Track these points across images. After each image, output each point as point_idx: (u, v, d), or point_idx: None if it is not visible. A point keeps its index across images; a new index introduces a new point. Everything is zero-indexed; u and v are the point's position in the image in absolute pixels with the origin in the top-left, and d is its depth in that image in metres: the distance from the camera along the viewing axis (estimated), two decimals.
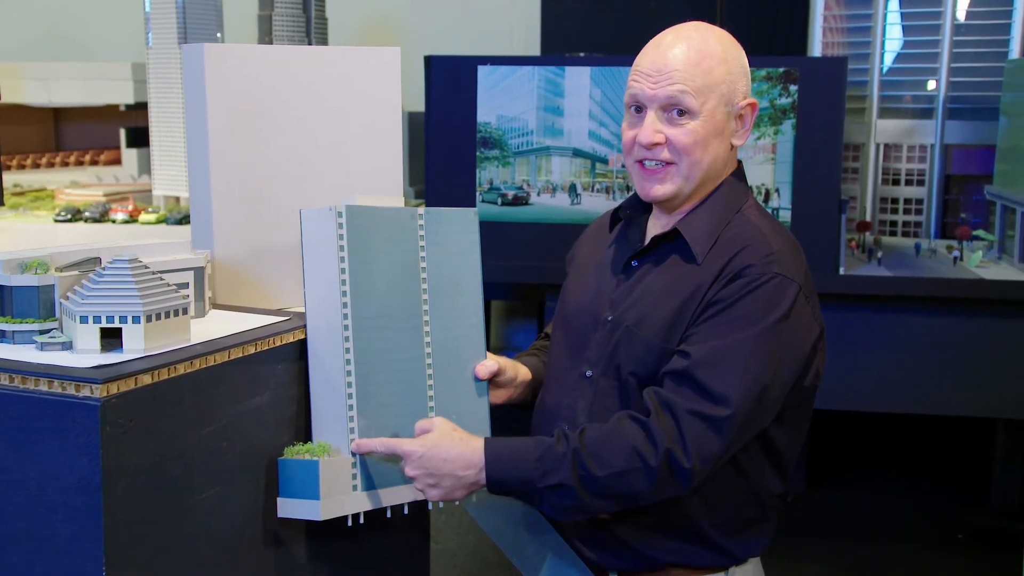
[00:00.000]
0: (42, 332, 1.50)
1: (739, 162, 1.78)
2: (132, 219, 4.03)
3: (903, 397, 3.81)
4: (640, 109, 1.69)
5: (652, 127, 1.67)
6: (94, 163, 5.68)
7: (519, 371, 1.88)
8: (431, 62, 3.93)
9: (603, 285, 1.78)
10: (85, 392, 1.34)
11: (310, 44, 4.55)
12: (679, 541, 1.70)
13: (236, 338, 1.60)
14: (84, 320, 1.46)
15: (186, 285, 1.72)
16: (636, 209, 1.82)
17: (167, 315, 1.50)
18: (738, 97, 1.69)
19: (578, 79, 3.81)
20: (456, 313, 1.78)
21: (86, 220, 4.02)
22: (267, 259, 1.88)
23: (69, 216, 4.02)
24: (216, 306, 1.82)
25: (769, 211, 2.03)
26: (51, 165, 5.56)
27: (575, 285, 1.86)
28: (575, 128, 3.84)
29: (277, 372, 1.65)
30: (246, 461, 1.60)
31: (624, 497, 1.60)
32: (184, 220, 3.96)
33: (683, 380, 1.59)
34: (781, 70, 3.66)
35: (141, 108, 4.69)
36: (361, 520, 1.66)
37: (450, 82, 3.89)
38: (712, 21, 1.78)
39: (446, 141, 3.92)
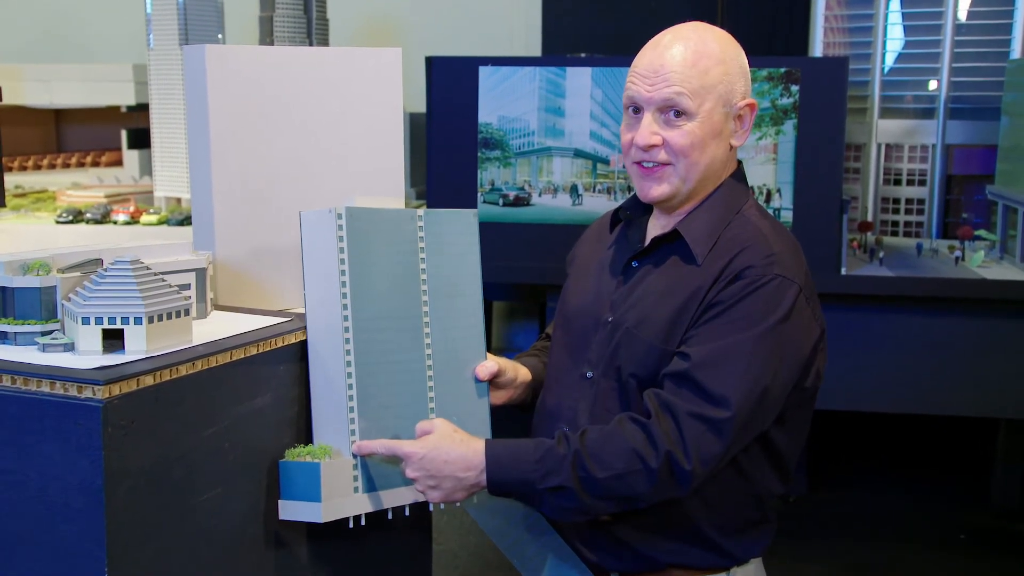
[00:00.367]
0: (44, 333, 1.50)
1: (739, 162, 1.77)
2: (134, 220, 4.03)
3: (904, 397, 3.81)
4: (638, 110, 1.69)
5: (649, 129, 1.67)
6: (95, 164, 5.67)
7: (519, 372, 1.88)
8: (432, 63, 3.93)
9: (603, 286, 1.78)
10: (87, 393, 1.34)
11: (311, 45, 4.55)
12: (679, 542, 1.70)
13: (238, 339, 1.60)
14: (86, 321, 1.46)
15: (188, 286, 1.72)
16: (636, 210, 1.81)
17: (169, 316, 1.51)
18: (736, 98, 1.69)
19: (579, 80, 3.81)
20: (456, 314, 1.78)
21: (87, 221, 4.01)
22: (269, 260, 1.88)
23: (71, 217, 4.01)
24: (218, 307, 1.83)
25: (770, 211, 2.03)
26: (52, 166, 5.55)
27: (576, 286, 1.86)
28: (576, 129, 3.84)
29: (279, 373, 1.65)
30: (248, 462, 1.60)
31: (624, 499, 1.60)
32: (186, 221, 3.96)
33: (683, 382, 1.59)
34: (782, 70, 3.66)
35: (142, 109, 4.69)
36: (362, 522, 1.66)
37: (451, 83, 3.88)
38: (712, 21, 1.78)
39: (447, 142, 3.91)
